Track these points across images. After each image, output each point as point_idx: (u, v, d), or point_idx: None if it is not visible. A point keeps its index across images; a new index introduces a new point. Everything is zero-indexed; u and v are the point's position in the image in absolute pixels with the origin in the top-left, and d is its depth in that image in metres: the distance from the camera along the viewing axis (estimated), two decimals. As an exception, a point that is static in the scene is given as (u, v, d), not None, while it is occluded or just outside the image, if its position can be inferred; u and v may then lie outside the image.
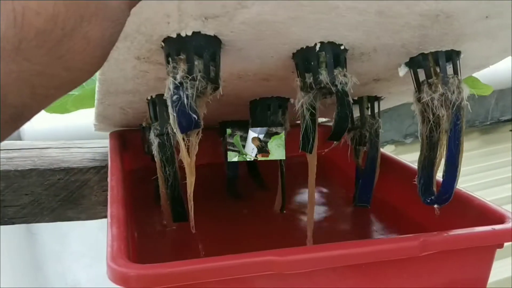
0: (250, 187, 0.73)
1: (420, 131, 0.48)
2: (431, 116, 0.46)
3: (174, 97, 0.39)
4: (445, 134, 0.46)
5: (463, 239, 0.43)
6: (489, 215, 0.47)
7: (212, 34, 0.40)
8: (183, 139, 0.41)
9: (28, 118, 0.26)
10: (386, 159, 0.64)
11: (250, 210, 0.67)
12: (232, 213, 0.66)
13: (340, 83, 0.42)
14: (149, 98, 0.55)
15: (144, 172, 0.73)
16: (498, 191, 1.13)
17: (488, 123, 1.44)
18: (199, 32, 0.39)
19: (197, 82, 0.39)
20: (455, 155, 0.45)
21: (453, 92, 0.44)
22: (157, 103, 0.54)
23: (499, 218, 0.46)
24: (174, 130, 0.40)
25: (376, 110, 0.60)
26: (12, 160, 0.74)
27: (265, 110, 0.58)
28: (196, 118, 0.39)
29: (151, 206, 0.64)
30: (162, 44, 0.41)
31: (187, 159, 0.41)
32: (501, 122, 1.45)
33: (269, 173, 0.72)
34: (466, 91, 0.45)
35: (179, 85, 0.39)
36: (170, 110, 0.39)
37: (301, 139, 0.46)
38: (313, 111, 0.44)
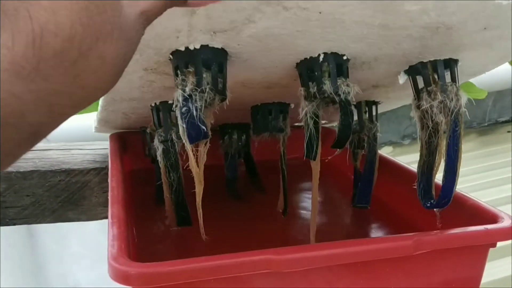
0: (249, 189, 0.74)
1: (420, 137, 0.50)
2: (430, 122, 0.47)
3: (184, 109, 0.40)
4: (444, 140, 0.47)
5: (456, 238, 0.44)
6: (482, 215, 0.49)
7: (219, 47, 0.41)
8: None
9: (44, 135, 0.26)
10: (383, 161, 0.66)
11: (250, 212, 0.68)
12: (232, 214, 0.67)
13: (343, 93, 0.44)
14: (153, 105, 0.55)
15: (144, 174, 0.74)
16: (496, 192, 1.14)
17: (486, 124, 1.45)
18: (207, 45, 0.40)
19: (205, 94, 0.40)
20: (454, 160, 0.46)
21: (452, 100, 0.46)
22: (161, 109, 0.55)
23: (492, 218, 0.47)
24: (183, 141, 0.41)
25: (374, 114, 0.61)
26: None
27: (266, 115, 0.59)
28: (205, 129, 0.40)
29: (151, 207, 0.65)
30: (170, 56, 0.42)
31: (196, 169, 0.42)
32: (499, 123, 1.46)
33: (268, 175, 0.73)
34: (464, 98, 0.47)
35: (188, 97, 0.40)
36: (179, 121, 0.40)
37: (305, 147, 0.47)
38: (317, 119, 0.46)
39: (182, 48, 0.40)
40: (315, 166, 0.48)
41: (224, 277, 0.37)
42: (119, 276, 0.35)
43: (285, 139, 0.59)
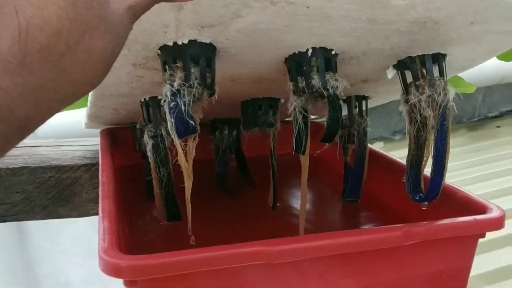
0: (240, 185, 0.74)
1: (408, 131, 0.50)
2: (418, 116, 0.47)
3: (172, 104, 0.40)
4: (432, 134, 0.47)
5: (446, 229, 0.45)
6: (472, 207, 0.49)
7: (207, 41, 0.41)
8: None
9: (31, 130, 0.27)
10: (374, 155, 0.66)
11: (241, 207, 0.68)
12: (222, 209, 0.67)
13: (332, 87, 0.44)
14: (142, 100, 0.55)
15: (134, 169, 0.74)
16: (486, 186, 1.15)
17: (476, 119, 1.47)
18: (195, 40, 0.40)
19: (194, 89, 0.40)
20: (442, 154, 0.47)
21: (440, 94, 0.46)
22: (150, 105, 0.55)
23: (481, 209, 0.47)
24: (172, 136, 0.41)
25: (364, 109, 0.62)
26: (3, 158, 0.74)
27: (256, 110, 0.59)
28: (193, 124, 0.40)
29: (142, 202, 0.65)
30: (159, 51, 0.42)
31: (185, 164, 0.42)
32: (488, 118, 1.48)
33: (259, 171, 0.73)
34: (452, 93, 0.47)
35: (176, 92, 0.40)
36: (167, 116, 0.40)
37: (294, 141, 0.47)
38: (305, 114, 0.46)
39: (170, 43, 0.40)
40: (304, 160, 0.49)
41: (215, 269, 0.37)
42: (109, 269, 0.35)
43: (275, 134, 0.59)
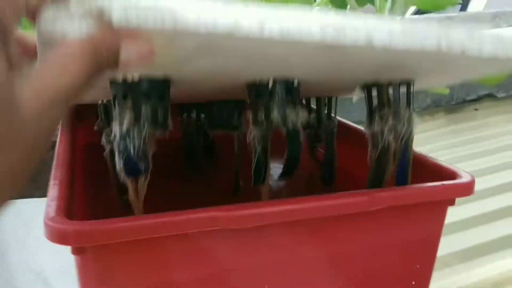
0: (208, 166, 0.74)
1: (369, 152, 0.48)
2: (380, 143, 0.46)
3: (121, 146, 0.38)
4: (394, 161, 0.46)
5: (413, 194, 0.44)
6: (442, 173, 0.48)
7: (160, 77, 0.38)
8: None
9: None
10: (343, 127, 0.65)
11: (208, 188, 0.68)
12: (189, 189, 0.67)
13: (291, 122, 0.42)
14: (100, 103, 0.53)
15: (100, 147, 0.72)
16: (463, 167, 1.15)
17: (454, 102, 1.46)
18: (147, 76, 0.38)
19: (144, 130, 0.38)
20: (402, 184, 0.46)
21: (403, 125, 0.44)
22: (109, 108, 0.53)
23: (451, 176, 0.46)
24: (121, 176, 0.39)
25: (333, 108, 0.60)
26: None
27: (221, 112, 0.56)
28: (144, 165, 0.39)
29: (106, 180, 0.64)
30: (109, 83, 0.39)
31: (135, 202, 0.40)
32: (466, 102, 1.47)
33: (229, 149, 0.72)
34: (417, 123, 0.45)
35: (125, 133, 0.38)
36: (116, 157, 0.39)
37: (253, 173, 0.45)
38: (265, 143, 0.44)
39: (120, 80, 0.38)
40: (265, 190, 0.47)
41: (171, 236, 0.35)
42: (55, 235, 0.32)
43: (239, 137, 0.56)
